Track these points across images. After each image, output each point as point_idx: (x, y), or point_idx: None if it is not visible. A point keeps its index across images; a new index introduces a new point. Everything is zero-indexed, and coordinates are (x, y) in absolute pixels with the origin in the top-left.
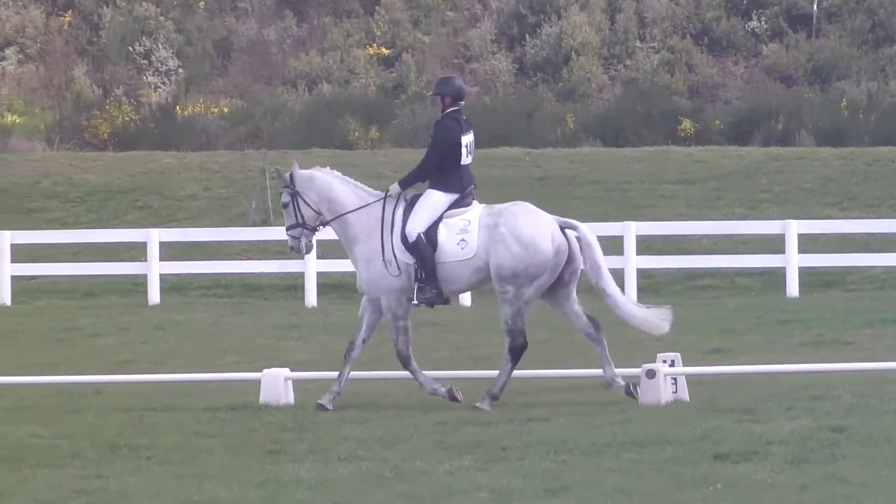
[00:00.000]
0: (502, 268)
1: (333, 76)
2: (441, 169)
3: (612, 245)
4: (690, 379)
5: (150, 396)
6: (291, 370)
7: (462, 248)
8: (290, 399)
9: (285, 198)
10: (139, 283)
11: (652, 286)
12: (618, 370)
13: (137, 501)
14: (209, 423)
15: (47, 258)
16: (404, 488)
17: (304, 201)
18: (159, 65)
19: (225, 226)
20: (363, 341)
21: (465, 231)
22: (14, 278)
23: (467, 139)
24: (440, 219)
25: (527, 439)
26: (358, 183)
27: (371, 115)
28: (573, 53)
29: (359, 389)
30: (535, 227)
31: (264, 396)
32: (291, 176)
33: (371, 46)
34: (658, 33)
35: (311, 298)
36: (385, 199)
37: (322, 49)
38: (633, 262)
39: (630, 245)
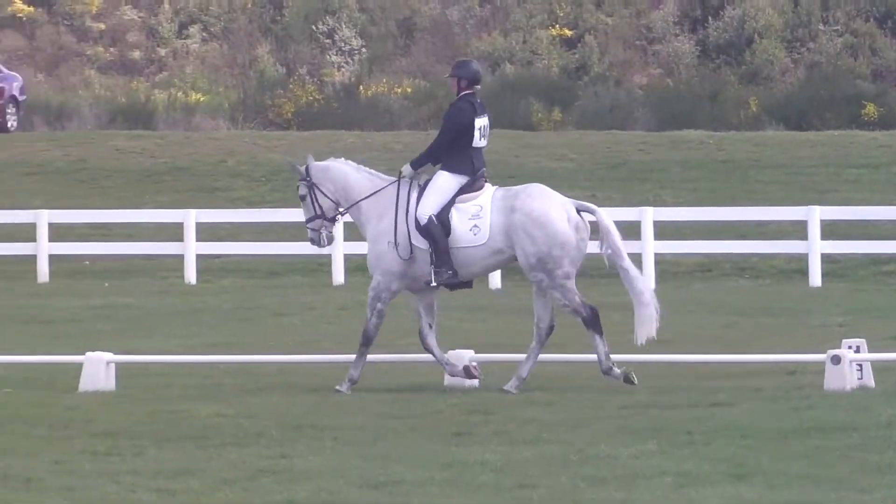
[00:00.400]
0: (528, 256)
1: (516, 57)
2: (452, 151)
3: (797, 230)
4: (876, 365)
5: (334, 377)
6: (476, 353)
7: (475, 234)
8: (474, 382)
9: (302, 190)
10: (323, 262)
11: (836, 271)
12: (802, 356)
13: (322, 481)
14: (393, 404)
15: (232, 238)
16: (589, 471)
17: (322, 192)
18: (342, 44)
19: None
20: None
21: (477, 217)
22: (199, 257)
23: (481, 122)
24: (452, 202)
25: (711, 424)
26: (371, 170)
27: (554, 97)
28: (756, 36)
29: (544, 373)
30: (549, 208)
31: (448, 379)
32: (307, 168)
33: (554, 27)
34: (841, 16)
35: (496, 281)
36: (399, 181)
37: (505, 30)
38: (817, 246)
39: (814, 230)
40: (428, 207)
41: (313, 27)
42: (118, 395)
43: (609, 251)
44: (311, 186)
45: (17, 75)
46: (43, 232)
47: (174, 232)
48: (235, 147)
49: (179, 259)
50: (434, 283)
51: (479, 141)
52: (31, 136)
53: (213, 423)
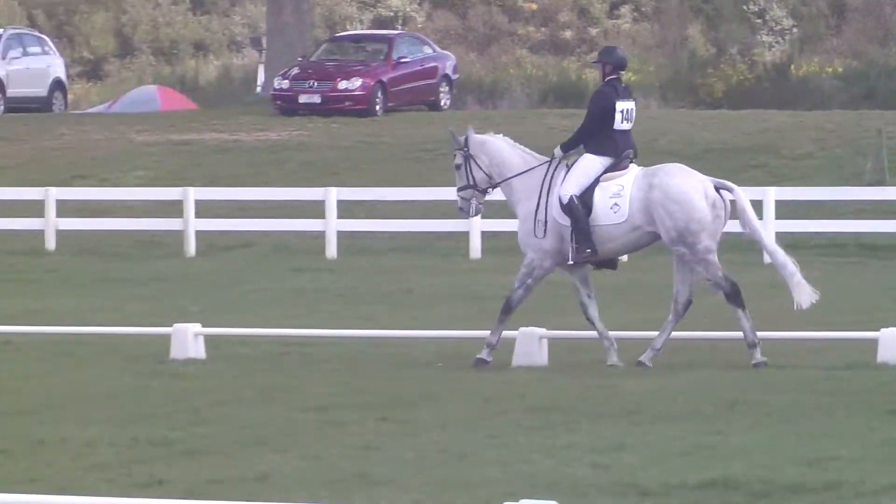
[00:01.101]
0: (668, 230)
1: None
2: (596, 134)
3: None
4: None
5: (765, 353)
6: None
7: (615, 213)
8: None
9: (458, 160)
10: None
11: None
12: None
13: (756, 457)
14: (826, 382)
15: None
16: None
17: (477, 164)
18: (773, 24)
19: (839, 185)
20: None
21: (617, 195)
22: None
23: (624, 105)
24: (596, 182)
25: None
26: (526, 149)
27: None
28: None
29: None
30: (687, 185)
31: (881, 355)
32: (466, 139)
33: None
34: None
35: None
36: (549, 162)
37: None
38: None
39: None
40: (571, 187)
41: (744, 7)
42: (550, 371)
43: (747, 229)
44: (468, 157)
45: (450, 54)
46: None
47: None
48: (668, 126)
49: None
50: (571, 261)
51: (620, 123)
52: (463, 115)
53: (646, 398)
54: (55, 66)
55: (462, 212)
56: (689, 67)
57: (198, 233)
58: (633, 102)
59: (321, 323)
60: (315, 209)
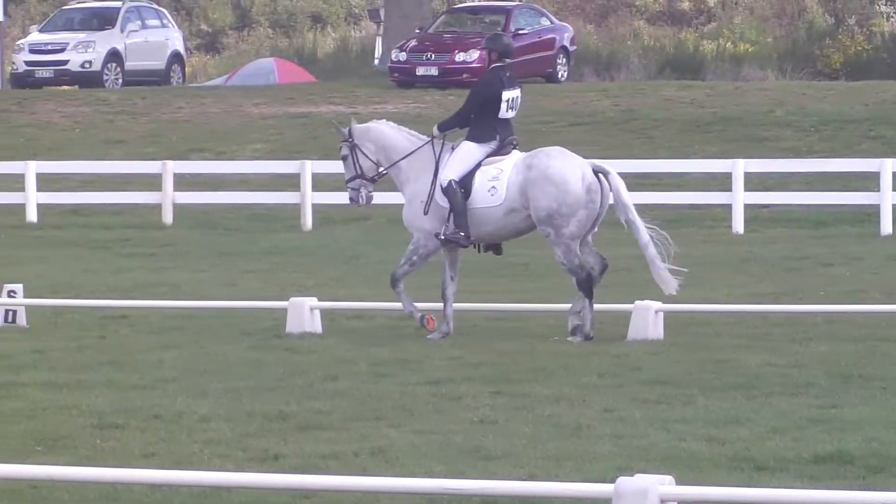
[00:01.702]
0: (539, 210)
1: None
2: (478, 121)
3: None
4: None
5: (882, 327)
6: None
7: (492, 196)
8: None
9: (344, 151)
10: (871, 213)
11: None
12: None
13: (871, 431)
14: None
15: (780, 187)
16: None
17: (363, 153)
18: None
19: None
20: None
21: (496, 179)
22: (747, 207)
23: (509, 94)
24: (477, 167)
25: None
26: (411, 131)
27: None
28: None
29: None
30: (565, 168)
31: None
32: (349, 130)
33: None
34: None
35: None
36: (432, 142)
37: None
38: None
39: None
40: (450, 172)
41: None
42: (666, 344)
43: (621, 212)
44: (353, 147)
45: (568, 26)
46: None
47: (722, 181)
48: (784, 97)
49: (727, 209)
50: (442, 237)
51: (505, 112)
52: (580, 86)
53: (761, 372)
54: (173, 38)
55: (353, 202)
56: (806, 38)
57: (314, 206)
58: (519, 90)
59: (435, 296)
60: None
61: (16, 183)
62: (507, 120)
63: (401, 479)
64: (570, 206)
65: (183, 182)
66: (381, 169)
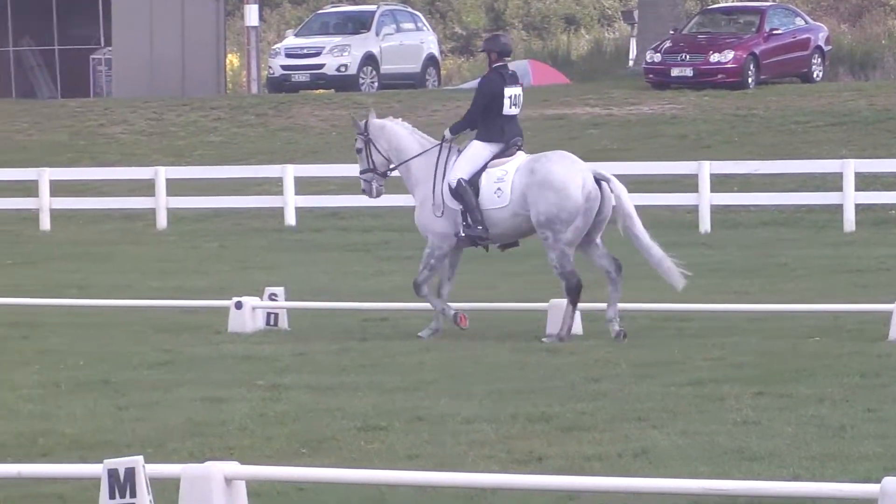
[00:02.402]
0: (539, 214)
1: None
2: (484, 120)
3: None
4: None
5: None
6: None
7: (498, 197)
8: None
9: (359, 144)
10: None
11: None
12: None
13: None
14: None
15: None
16: None
17: (376, 148)
18: None
19: None
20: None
21: (501, 181)
22: None
23: (511, 91)
24: (485, 167)
25: None
26: (424, 134)
27: None
28: None
29: None
30: (566, 174)
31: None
32: (366, 124)
33: None
34: None
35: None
36: (441, 145)
37: None
38: None
39: None
40: (459, 172)
41: None
42: None
43: (622, 218)
44: (368, 141)
45: (822, 26)
46: (850, 181)
47: None
48: None
49: None
50: (463, 234)
51: (509, 109)
52: (835, 86)
53: None
54: (428, 42)
55: (365, 193)
56: None
57: None
58: (521, 88)
59: (695, 297)
60: (688, 183)
61: (275, 186)
62: (513, 118)
63: (665, 480)
64: (570, 212)
65: None
66: (391, 166)
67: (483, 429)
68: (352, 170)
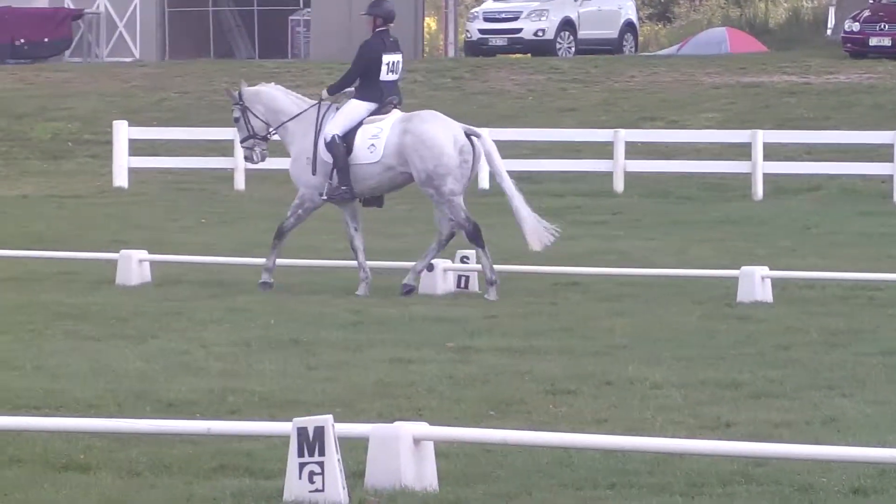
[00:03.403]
0: (419, 172)
1: None
2: (363, 81)
3: None
4: None
5: None
6: None
7: (371, 153)
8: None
9: (236, 113)
10: None
11: None
12: None
13: None
14: None
15: None
16: None
17: (253, 114)
18: None
19: None
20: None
21: (375, 137)
22: None
23: (390, 58)
24: (360, 124)
25: None
26: (299, 94)
27: None
28: None
29: None
30: (438, 131)
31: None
32: (240, 93)
33: None
34: None
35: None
36: (319, 104)
37: None
38: None
39: None
40: (335, 127)
41: None
42: None
43: (491, 170)
44: (244, 109)
45: None
46: None
47: None
48: None
49: None
50: (325, 196)
51: (386, 75)
52: None
53: None
54: (626, 7)
55: (248, 160)
56: None
57: (765, 175)
58: (401, 55)
59: (887, 267)
60: (883, 153)
61: None
62: (392, 82)
63: (852, 449)
64: (446, 165)
65: (634, 150)
66: (270, 129)
67: (671, 394)
68: (546, 134)
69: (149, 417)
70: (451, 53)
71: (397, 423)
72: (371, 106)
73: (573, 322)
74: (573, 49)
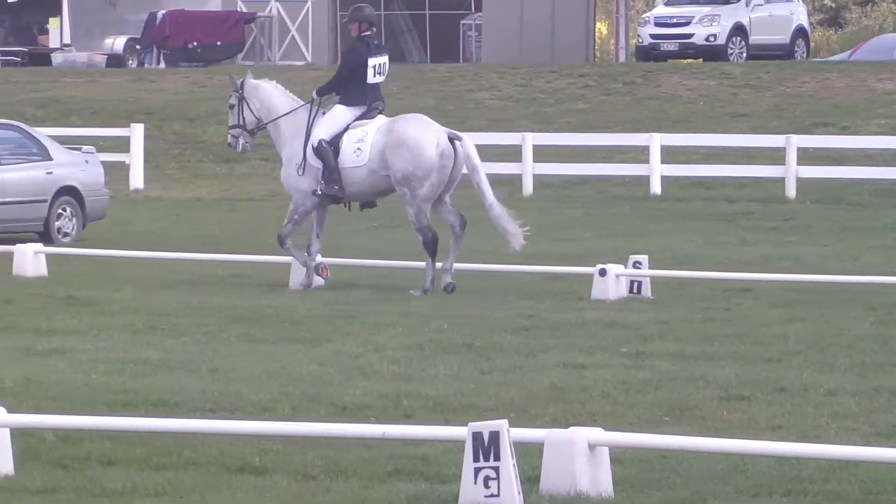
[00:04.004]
0: (396, 171)
1: None
2: (348, 86)
3: None
4: None
5: None
6: None
7: (357, 156)
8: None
9: (233, 100)
10: None
11: None
12: None
13: None
14: None
15: None
16: None
17: (249, 106)
18: None
19: None
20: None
21: (361, 141)
22: None
23: (376, 61)
24: (346, 129)
25: None
26: (294, 97)
27: None
28: None
29: None
30: (421, 134)
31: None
32: (242, 83)
33: None
34: None
35: None
36: (310, 105)
37: None
38: None
39: None
40: (321, 132)
41: None
42: None
43: (473, 176)
44: (241, 99)
45: None
46: None
47: None
48: None
49: None
50: (320, 192)
51: (373, 77)
52: None
53: None
54: (798, 13)
55: (231, 147)
56: None
57: None
58: (386, 57)
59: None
60: None
61: (640, 155)
62: (376, 85)
63: None
64: (425, 169)
65: (806, 156)
66: (260, 124)
67: (846, 401)
68: (720, 140)
69: (323, 421)
70: (621, 58)
71: (573, 429)
72: (357, 111)
73: (746, 328)
74: (744, 54)
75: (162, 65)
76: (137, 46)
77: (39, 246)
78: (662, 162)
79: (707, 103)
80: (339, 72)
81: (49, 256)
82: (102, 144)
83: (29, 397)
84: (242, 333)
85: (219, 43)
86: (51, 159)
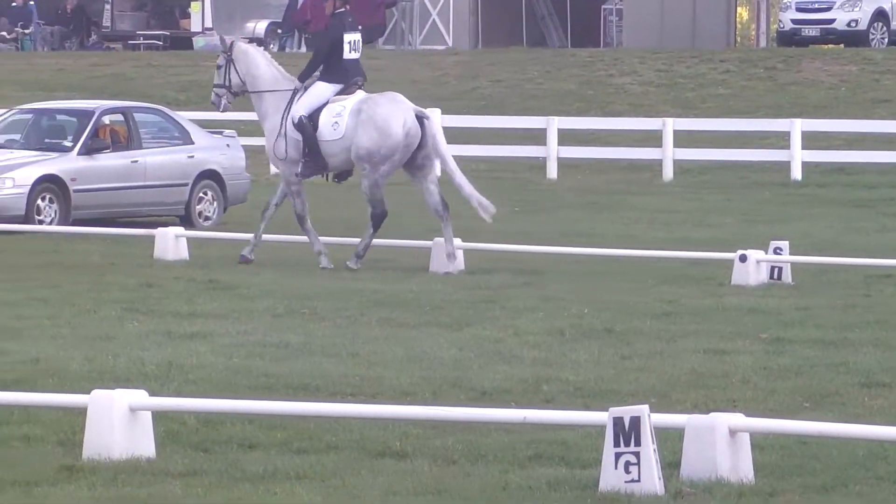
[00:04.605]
0: (360, 148)
1: None
2: (327, 63)
3: None
4: None
5: None
6: None
7: (334, 130)
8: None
9: (221, 61)
10: None
11: None
12: None
13: None
14: None
15: None
16: None
17: (235, 69)
18: None
19: None
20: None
21: (338, 115)
22: None
23: (351, 37)
24: (326, 104)
25: None
26: (281, 68)
27: None
28: None
29: None
30: (389, 114)
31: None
32: (232, 44)
33: None
34: None
35: None
36: (294, 90)
37: None
38: None
39: None
40: (301, 108)
41: None
42: None
43: (435, 153)
44: (229, 61)
45: None
46: None
47: None
48: None
49: None
50: (300, 176)
51: (349, 53)
52: None
53: None
54: None
55: (214, 105)
56: None
57: None
58: (359, 34)
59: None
60: None
61: (781, 140)
62: (355, 60)
63: None
64: (390, 148)
65: None
66: (243, 88)
67: None
68: (861, 126)
69: (464, 405)
70: (762, 43)
71: (713, 414)
72: (336, 87)
73: (887, 314)
74: (886, 40)
75: (303, 48)
76: (279, 31)
77: (181, 229)
78: (803, 148)
79: (848, 89)
80: (315, 54)
81: (190, 240)
82: (244, 128)
83: (170, 381)
84: (383, 318)
85: (360, 27)
86: (192, 143)
